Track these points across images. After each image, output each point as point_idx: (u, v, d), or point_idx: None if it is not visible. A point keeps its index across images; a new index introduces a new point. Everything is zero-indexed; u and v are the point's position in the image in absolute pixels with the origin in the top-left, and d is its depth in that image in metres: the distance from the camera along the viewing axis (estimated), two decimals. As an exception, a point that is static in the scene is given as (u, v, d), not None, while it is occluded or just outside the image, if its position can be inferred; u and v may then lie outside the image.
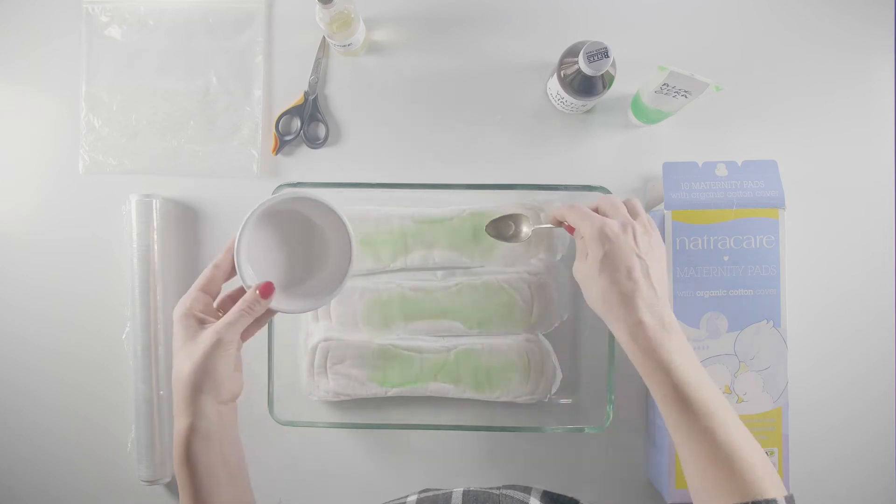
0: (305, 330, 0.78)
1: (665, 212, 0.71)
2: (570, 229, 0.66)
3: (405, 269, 0.78)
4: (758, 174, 0.72)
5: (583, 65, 0.67)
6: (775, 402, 0.71)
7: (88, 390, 0.81)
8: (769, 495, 0.51)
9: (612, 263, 0.59)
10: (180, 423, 0.59)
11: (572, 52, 0.71)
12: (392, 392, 0.77)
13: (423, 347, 0.77)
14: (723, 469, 0.53)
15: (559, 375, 0.76)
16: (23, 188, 0.82)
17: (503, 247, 0.77)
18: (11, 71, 0.82)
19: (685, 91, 0.69)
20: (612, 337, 0.72)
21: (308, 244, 0.70)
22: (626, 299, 0.58)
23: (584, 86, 0.71)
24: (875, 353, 0.80)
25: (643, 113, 0.76)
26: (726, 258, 0.71)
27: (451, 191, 0.76)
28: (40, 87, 0.82)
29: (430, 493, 0.61)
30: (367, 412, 0.79)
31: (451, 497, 0.59)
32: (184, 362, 0.59)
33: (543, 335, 0.77)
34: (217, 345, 0.59)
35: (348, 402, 0.79)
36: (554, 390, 0.76)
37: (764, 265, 0.71)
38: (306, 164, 0.81)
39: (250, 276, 0.64)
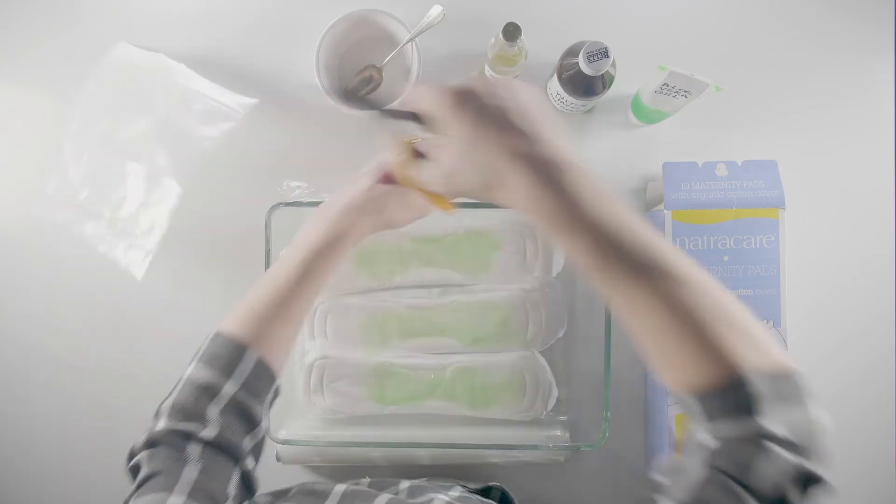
0: (302, 348, 0.78)
1: (665, 212, 0.72)
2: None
3: (401, 286, 0.78)
4: (758, 174, 0.72)
5: (583, 65, 0.67)
6: (775, 402, 0.71)
7: (90, 390, 0.81)
8: (739, 372, 0.40)
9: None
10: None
11: (572, 52, 0.71)
12: (389, 410, 0.77)
13: (419, 365, 0.77)
14: (693, 339, 0.42)
15: (555, 392, 0.76)
16: (23, 188, 0.82)
17: (499, 264, 0.76)
18: (12, 71, 0.82)
19: (685, 91, 0.69)
20: (608, 354, 0.72)
21: None
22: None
23: (584, 86, 0.71)
24: (875, 353, 0.80)
25: (643, 113, 0.76)
26: (726, 258, 0.71)
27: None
28: (40, 88, 0.82)
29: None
30: (363, 429, 0.78)
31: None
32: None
33: (539, 352, 0.77)
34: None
35: (345, 420, 0.78)
36: (550, 407, 0.76)
37: (764, 265, 0.71)
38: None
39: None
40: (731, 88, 0.70)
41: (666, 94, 0.70)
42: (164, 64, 0.79)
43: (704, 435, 0.41)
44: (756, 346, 0.42)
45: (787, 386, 0.41)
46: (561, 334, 0.77)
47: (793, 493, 0.38)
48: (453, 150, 0.48)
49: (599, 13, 0.81)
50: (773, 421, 0.39)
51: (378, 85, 0.80)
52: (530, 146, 0.45)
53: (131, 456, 0.52)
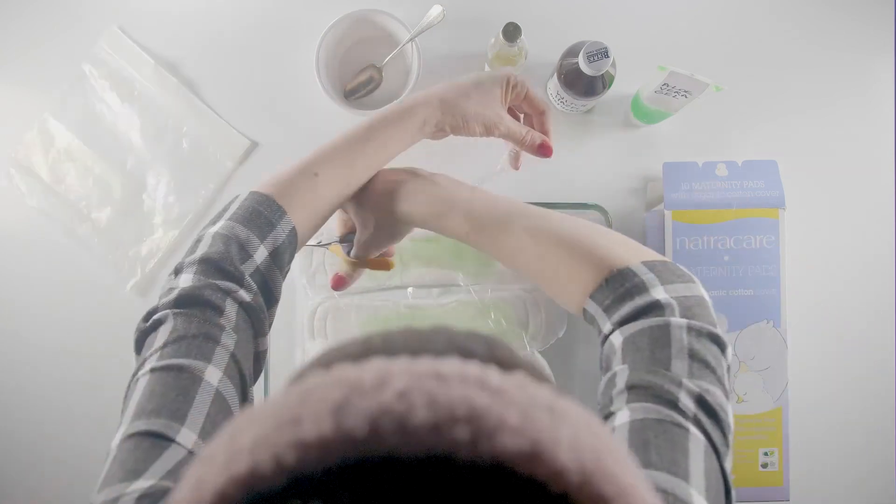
0: (302, 348, 0.78)
1: (665, 212, 0.71)
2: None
3: (401, 286, 0.77)
4: (758, 174, 0.72)
5: (583, 65, 0.67)
6: (775, 402, 0.71)
7: (96, 388, 0.81)
8: (622, 264, 0.47)
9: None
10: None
11: (572, 52, 0.71)
12: None
13: None
14: (573, 255, 0.49)
15: None
16: (22, 187, 0.82)
17: (499, 265, 0.76)
18: (12, 71, 0.82)
19: (685, 91, 0.69)
20: None
21: None
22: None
23: (584, 86, 0.71)
24: (875, 353, 0.80)
25: (643, 113, 0.76)
26: (726, 258, 0.71)
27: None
28: (40, 88, 0.82)
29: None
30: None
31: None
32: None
33: (539, 352, 0.77)
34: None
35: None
36: None
37: (764, 265, 0.71)
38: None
39: None
40: (731, 88, 0.70)
41: (666, 94, 0.70)
42: (181, 91, 0.80)
43: (611, 331, 0.46)
44: (626, 245, 0.50)
45: (664, 268, 0.46)
46: (561, 334, 0.77)
47: (694, 345, 0.42)
48: (359, 229, 0.61)
49: (599, 13, 0.81)
50: (658, 293, 0.45)
51: (378, 85, 0.80)
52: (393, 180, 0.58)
53: (151, 314, 0.45)
